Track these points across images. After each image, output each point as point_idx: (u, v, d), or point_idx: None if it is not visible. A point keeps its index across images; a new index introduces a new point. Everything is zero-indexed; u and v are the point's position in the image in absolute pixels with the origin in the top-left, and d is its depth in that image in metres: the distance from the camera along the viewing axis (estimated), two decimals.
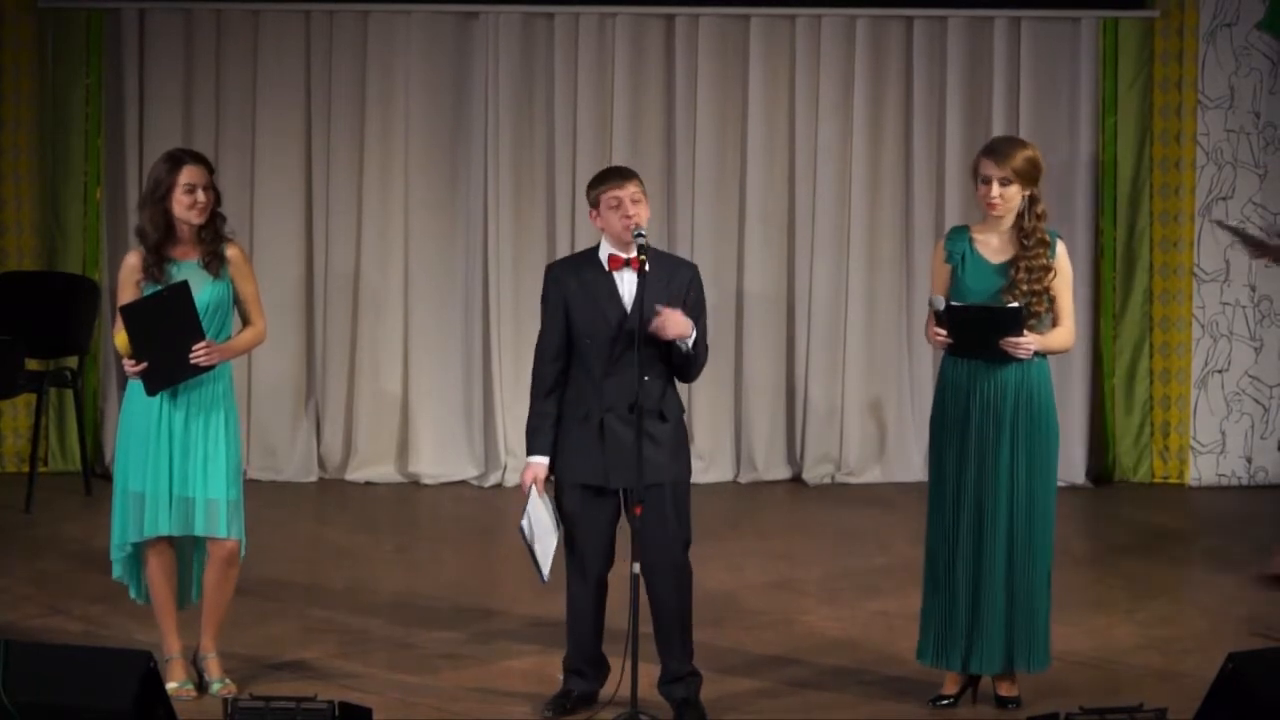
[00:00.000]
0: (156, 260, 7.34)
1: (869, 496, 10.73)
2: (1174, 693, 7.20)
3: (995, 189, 7.13)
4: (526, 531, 7.12)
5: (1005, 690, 7.36)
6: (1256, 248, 8.29)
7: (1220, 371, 11.06)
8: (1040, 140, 10.76)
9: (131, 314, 7.20)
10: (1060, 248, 7.23)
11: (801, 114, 10.95)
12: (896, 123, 11.00)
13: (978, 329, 7.11)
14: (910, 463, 10.91)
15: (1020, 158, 7.14)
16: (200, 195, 7.31)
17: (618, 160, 10.48)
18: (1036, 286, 7.15)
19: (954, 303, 7.13)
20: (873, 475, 10.96)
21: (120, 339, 7.24)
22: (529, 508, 7.13)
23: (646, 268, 6.99)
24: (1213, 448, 11.07)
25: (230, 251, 7.42)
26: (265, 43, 10.91)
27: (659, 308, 6.99)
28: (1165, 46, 10.93)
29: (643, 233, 7.05)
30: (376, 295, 10.98)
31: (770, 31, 10.94)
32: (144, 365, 7.22)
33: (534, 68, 10.94)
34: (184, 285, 7.21)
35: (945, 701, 7.38)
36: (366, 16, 10.89)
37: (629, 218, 7.05)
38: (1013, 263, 7.17)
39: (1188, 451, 11.07)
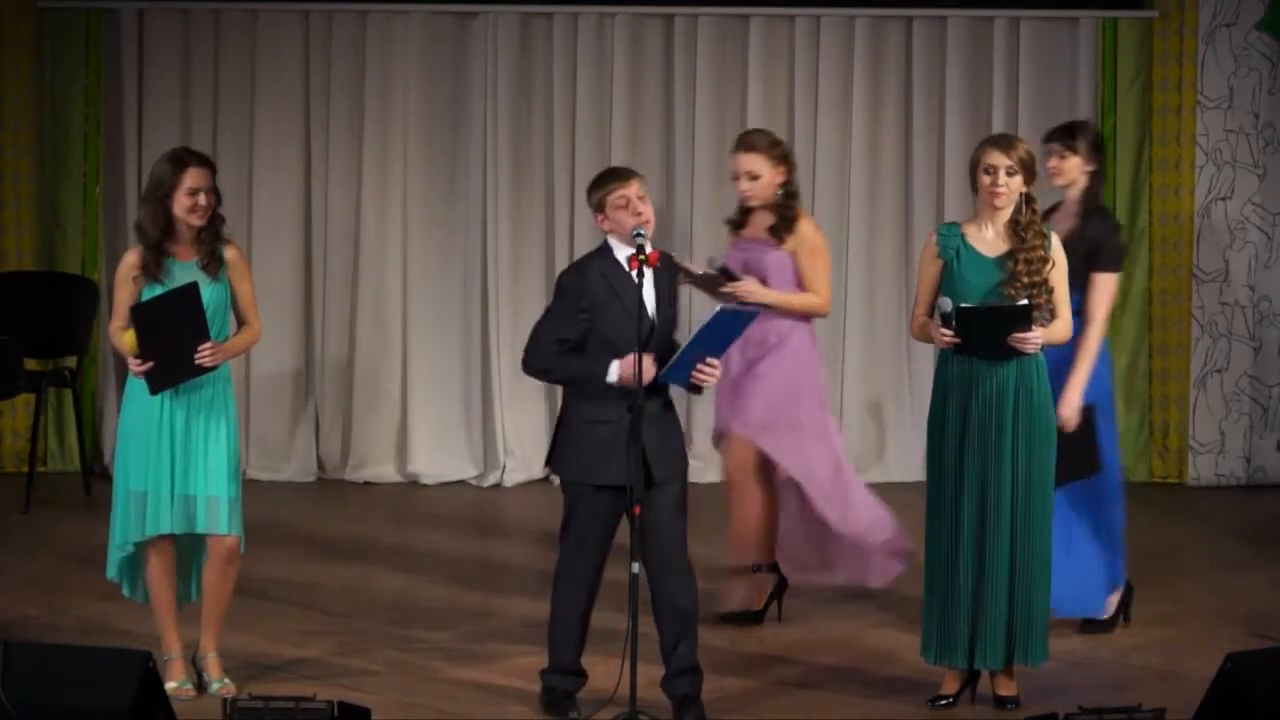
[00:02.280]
0: (155, 258, 7.34)
1: None
2: (1173, 693, 7.20)
3: (1002, 178, 7.18)
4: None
5: (1004, 689, 7.36)
6: (692, 279, 8.12)
7: (1219, 371, 11.06)
8: (1040, 141, 10.80)
9: (141, 314, 7.20)
10: (1055, 240, 7.28)
11: (801, 114, 10.96)
12: (896, 123, 11.00)
13: (987, 328, 7.13)
14: (910, 463, 10.90)
15: (1023, 149, 7.22)
16: (202, 198, 7.32)
17: (617, 160, 10.48)
18: (1036, 278, 7.19)
19: (964, 305, 7.14)
20: (873, 475, 10.92)
21: (127, 338, 7.24)
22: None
23: (653, 266, 7.02)
24: (1212, 448, 11.07)
25: (229, 253, 7.42)
26: (264, 42, 10.91)
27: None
28: (1164, 47, 10.93)
29: (641, 233, 7.04)
30: (375, 295, 10.98)
31: (770, 31, 10.94)
32: (149, 365, 7.22)
33: (533, 67, 10.94)
34: (193, 286, 7.22)
35: (944, 701, 7.38)
36: (365, 16, 10.89)
37: (639, 215, 7.05)
38: (1010, 255, 7.21)
39: (1187, 451, 11.07)
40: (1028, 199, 7.24)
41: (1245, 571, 9.33)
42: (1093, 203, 8.09)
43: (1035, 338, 7.15)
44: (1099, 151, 8.16)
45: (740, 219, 8.34)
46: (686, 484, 7.21)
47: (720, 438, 8.41)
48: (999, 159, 7.20)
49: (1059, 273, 7.26)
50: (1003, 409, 7.20)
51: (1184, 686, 7.31)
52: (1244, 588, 9.03)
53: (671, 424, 7.16)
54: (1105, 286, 7.99)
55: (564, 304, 7.11)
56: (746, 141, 8.31)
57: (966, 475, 7.21)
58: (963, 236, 7.28)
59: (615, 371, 7.00)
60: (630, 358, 6.92)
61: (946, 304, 7.17)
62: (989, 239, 7.26)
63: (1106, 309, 8.04)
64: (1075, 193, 8.10)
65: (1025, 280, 7.18)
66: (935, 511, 7.30)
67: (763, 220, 8.25)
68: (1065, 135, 8.14)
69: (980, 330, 7.13)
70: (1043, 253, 7.21)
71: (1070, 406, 7.84)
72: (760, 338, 8.13)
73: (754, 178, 8.21)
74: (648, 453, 7.03)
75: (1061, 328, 7.31)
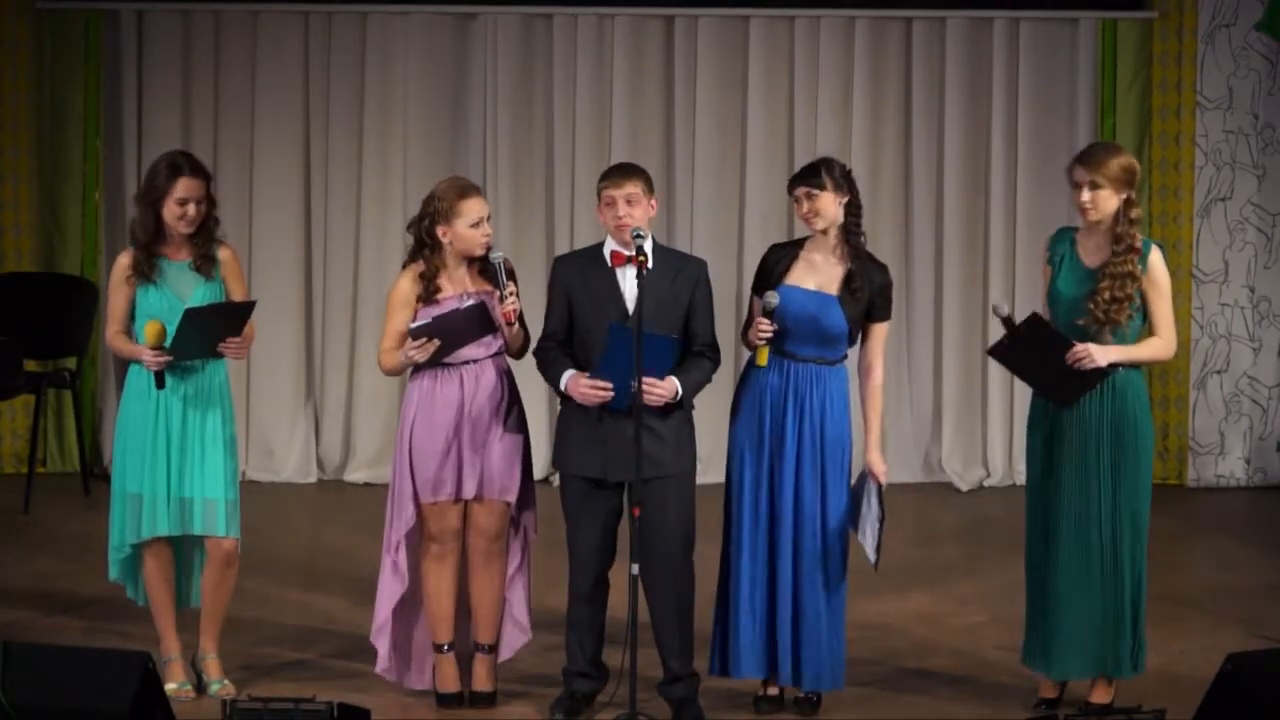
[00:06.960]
0: (147, 259, 7.35)
1: None
2: (1173, 693, 7.20)
3: (1085, 193, 7.16)
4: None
5: (1098, 697, 7.34)
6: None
7: (1219, 372, 11.07)
8: (1039, 141, 10.82)
9: (191, 318, 7.19)
10: (1154, 256, 7.19)
11: (801, 114, 10.96)
12: (896, 123, 11.00)
13: (1037, 357, 7.10)
14: (909, 463, 10.89)
15: (1112, 163, 7.14)
16: (191, 209, 7.32)
17: (617, 161, 10.47)
18: (1119, 294, 7.12)
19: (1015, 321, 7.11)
20: None
21: (151, 329, 7.21)
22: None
23: (648, 266, 7.01)
24: (1211, 449, 11.07)
25: (222, 253, 7.43)
26: (264, 44, 10.92)
27: (641, 383, 6.93)
28: (1164, 48, 10.93)
29: (640, 233, 7.06)
30: (375, 295, 10.97)
31: (770, 32, 10.95)
32: (168, 359, 7.23)
33: (533, 69, 10.94)
34: (250, 305, 7.31)
35: (1044, 706, 7.35)
36: (365, 18, 10.89)
37: (619, 218, 7.09)
38: (1102, 268, 7.18)
39: (1186, 453, 11.07)
40: (1127, 205, 7.18)
41: (1245, 572, 9.33)
42: (856, 242, 7.39)
43: (1083, 349, 7.07)
44: (850, 181, 7.42)
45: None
46: (685, 483, 7.20)
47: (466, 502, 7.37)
48: (1081, 175, 7.19)
49: (1156, 290, 7.18)
50: (1100, 425, 7.18)
51: (1184, 686, 7.31)
52: (1244, 588, 9.03)
53: (657, 427, 7.08)
54: (884, 335, 7.43)
55: (550, 296, 7.28)
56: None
57: (1064, 484, 7.19)
58: (1072, 243, 7.28)
59: (564, 382, 7.11)
60: (578, 374, 7.04)
61: (1003, 309, 7.16)
62: (1091, 247, 7.25)
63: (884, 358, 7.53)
64: (835, 232, 7.38)
65: (1108, 295, 7.12)
66: (1034, 520, 7.28)
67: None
68: (810, 175, 7.35)
69: (1031, 356, 7.10)
70: (1130, 268, 7.14)
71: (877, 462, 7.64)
72: (498, 394, 7.34)
73: None
74: (607, 450, 7.05)
75: (1156, 346, 7.22)
